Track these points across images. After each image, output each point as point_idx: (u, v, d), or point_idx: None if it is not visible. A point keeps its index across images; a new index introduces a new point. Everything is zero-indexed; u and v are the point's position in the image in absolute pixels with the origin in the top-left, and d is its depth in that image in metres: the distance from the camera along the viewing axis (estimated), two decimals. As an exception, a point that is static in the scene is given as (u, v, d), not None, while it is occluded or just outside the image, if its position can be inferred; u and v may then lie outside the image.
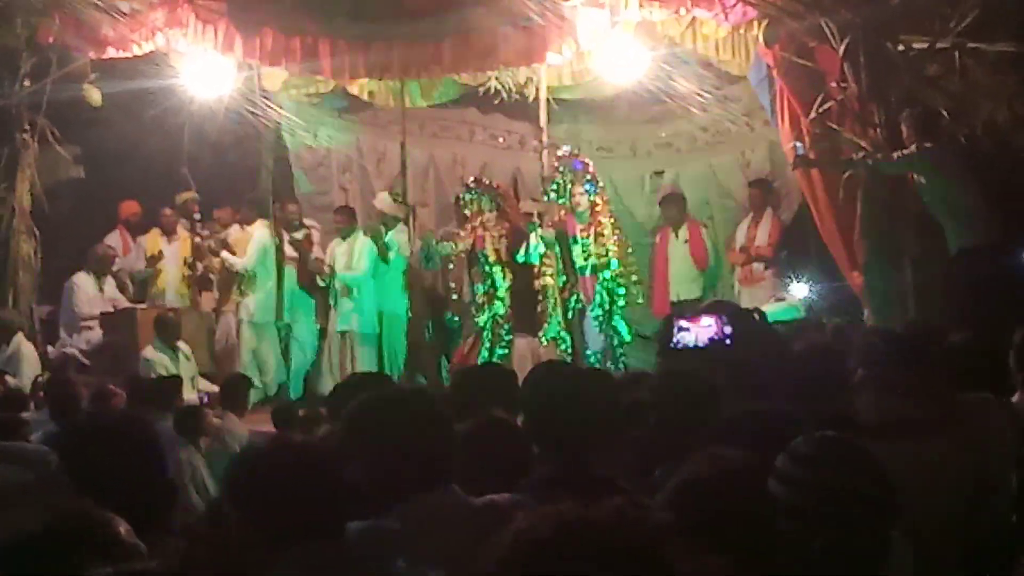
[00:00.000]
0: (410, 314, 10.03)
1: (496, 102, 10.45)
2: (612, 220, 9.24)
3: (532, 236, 9.17)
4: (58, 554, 2.13)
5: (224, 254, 10.18)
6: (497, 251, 9.41)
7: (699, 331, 3.65)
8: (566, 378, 3.49)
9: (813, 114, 7.94)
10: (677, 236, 10.05)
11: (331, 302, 10.15)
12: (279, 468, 2.45)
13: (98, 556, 2.11)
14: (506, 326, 9.31)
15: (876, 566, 2.18)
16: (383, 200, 10.22)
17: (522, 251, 9.22)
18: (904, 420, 3.21)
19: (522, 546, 1.48)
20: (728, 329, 3.59)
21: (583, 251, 9.12)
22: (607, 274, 9.06)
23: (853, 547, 2.14)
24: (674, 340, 3.69)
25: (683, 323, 3.72)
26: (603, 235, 9.12)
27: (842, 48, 7.66)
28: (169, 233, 10.60)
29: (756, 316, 4.05)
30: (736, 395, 3.54)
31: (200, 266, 10.47)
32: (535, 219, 9.30)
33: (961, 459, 3.11)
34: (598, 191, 9.21)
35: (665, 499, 2.20)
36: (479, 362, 8.87)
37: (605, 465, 3.03)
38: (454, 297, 9.98)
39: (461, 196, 9.74)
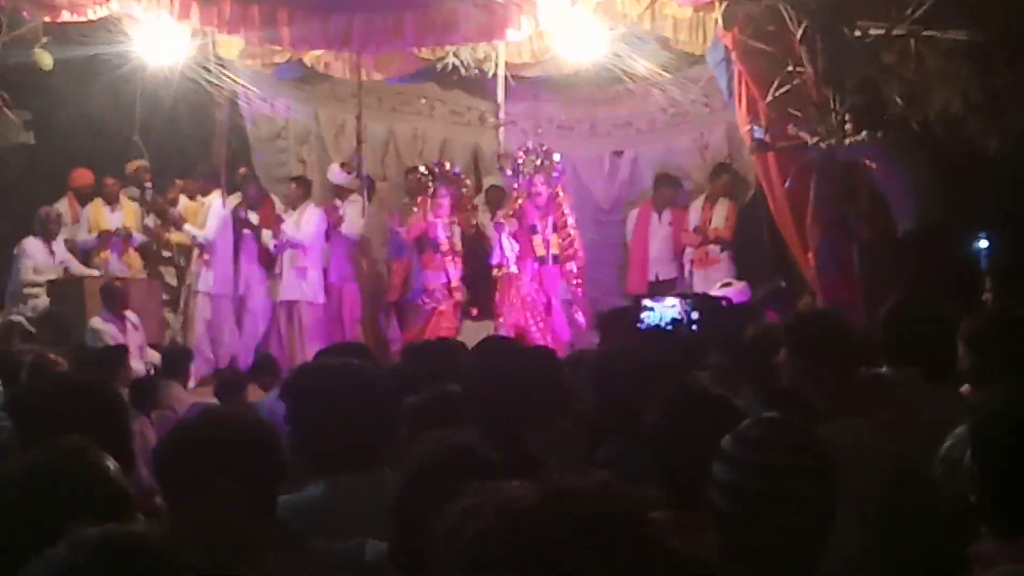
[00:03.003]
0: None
1: (455, 78, 10.40)
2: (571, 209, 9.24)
3: (503, 240, 9.12)
4: (53, 493, 2.05)
5: (186, 227, 10.08)
6: (449, 239, 9.39)
7: (664, 311, 3.67)
8: (509, 355, 3.47)
9: (770, 97, 7.99)
10: (660, 219, 10.08)
11: (277, 271, 10.09)
12: (207, 441, 2.41)
13: (93, 495, 2.05)
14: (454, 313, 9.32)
15: (821, 544, 2.20)
16: (334, 171, 10.19)
17: (494, 256, 9.18)
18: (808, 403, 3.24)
19: (506, 517, 1.47)
20: (695, 314, 3.62)
21: (542, 241, 9.12)
22: (572, 266, 9.07)
23: (799, 527, 2.16)
24: (640, 319, 3.71)
25: (648, 303, 3.74)
26: (566, 226, 9.12)
27: (799, 32, 7.70)
28: (112, 202, 10.43)
29: (724, 303, 4.09)
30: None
31: (143, 238, 10.39)
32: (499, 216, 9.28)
33: (875, 441, 3.13)
34: (560, 183, 9.19)
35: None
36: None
37: (540, 444, 3.03)
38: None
39: (420, 175, 9.67)
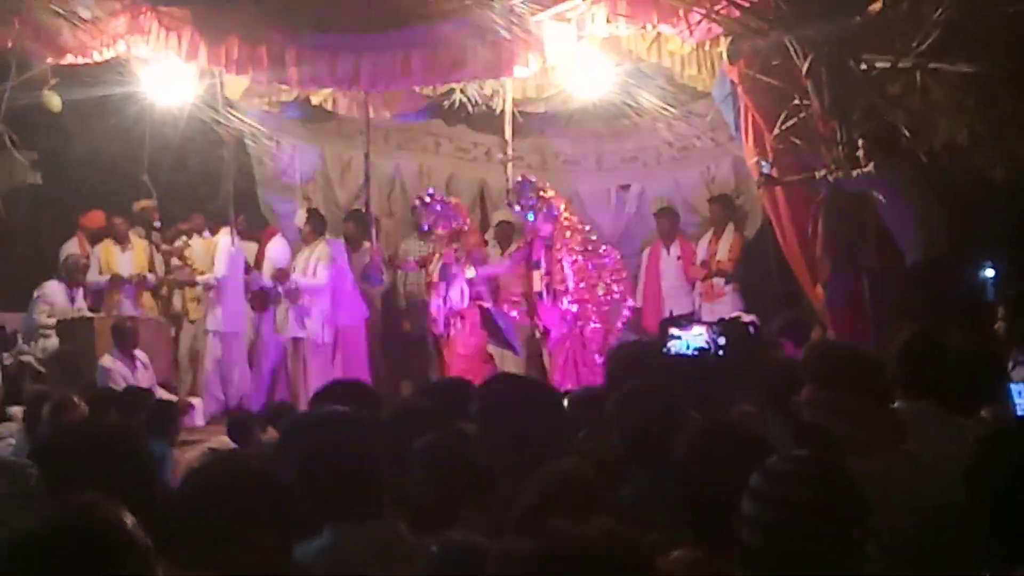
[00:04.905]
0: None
1: (461, 114, 10.45)
2: (579, 244, 9.23)
3: (457, 279, 9.21)
4: (68, 552, 2.03)
5: (198, 278, 10.07)
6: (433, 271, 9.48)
7: (691, 339, 3.66)
8: (512, 391, 3.42)
9: (776, 131, 8.01)
10: (669, 252, 10.11)
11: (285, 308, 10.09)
12: (218, 488, 2.41)
13: (109, 554, 2.03)
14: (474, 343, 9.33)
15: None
16: (302, 218, 10.19)
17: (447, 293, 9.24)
18: (844, 439, 3.22)
19: (507, 563, 1.47)
20: (721, 339, 3.62)
21: (542, 276, 9.13)
22: (564, 301, 9.08)
23: (828, 564, 2.15)
24: (666, 347, 3.71)
25: (674, 331, 3.74)
26: (559, 261, 9.12)
27: (805, 66, 7.74)
28: (122, 242, 10.45)
29: (751, 329, 4.08)
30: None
31: (154, 275, 10.41)
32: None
33: (906, 475, 3.12)
34: (556, 216, 9.19)
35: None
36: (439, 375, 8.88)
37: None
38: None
39: (418, 210, 9.74)
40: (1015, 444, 2.26)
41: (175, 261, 10.28)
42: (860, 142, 7.52)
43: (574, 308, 9.03)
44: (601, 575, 1.46)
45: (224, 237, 10.08)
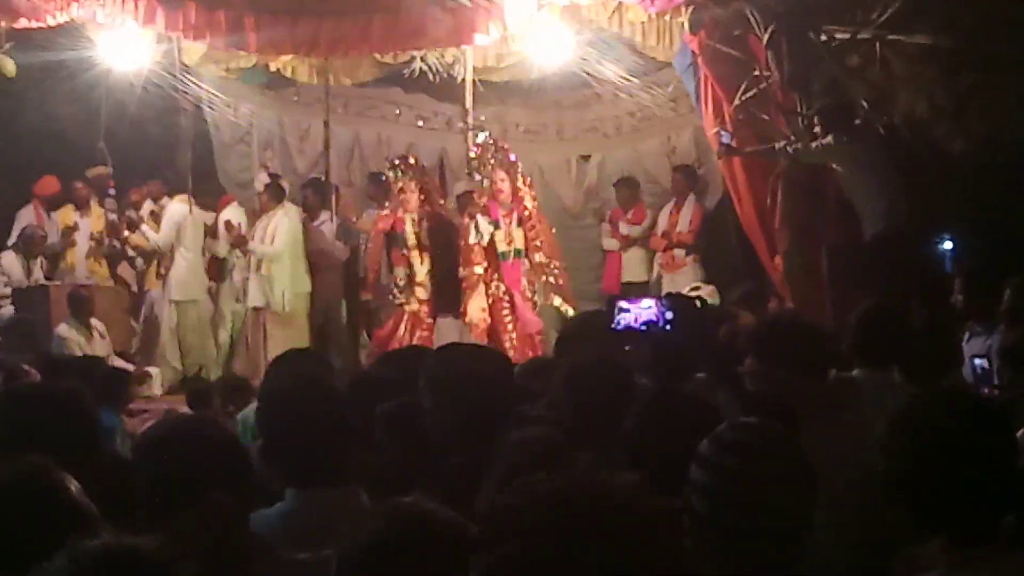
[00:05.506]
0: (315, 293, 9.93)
1: (422, 83, 10.37)
2: (536, 205, 9.14)
3: (480, 219, 9.00)
4: (9, 516, 2.03)
5: (143, 227, 9.98)
6: (417, 234, 9.31)
7: (639, 312, 3.68)
8: (466, 360, 3.39)
9: (737, 101, 8.03)
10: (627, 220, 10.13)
11: (245, 277, 10.00)
12: (174, 450, 2.40)
13: (51, 518, 2.03)
14: (425, 309, 9.23)
15: (796, 550, 2.21)
16: (258, 183, 10.09)
17: (472, 233, 8.98)
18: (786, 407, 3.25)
19: (497, 514, 1.45)
20: (669, 314, 3.63)
21: (505, 236, 8.99)
22: (539, 256, 8.96)
23: (774, 531, 2.16)
24: (615, 321, 3.72)
25: (623, 304, 3.77)
26: (530, 218, 9.01)
27: (766, 36, 7.74)
28: (82, 207, 10.36)
29: (698, 303, 4.11)
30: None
31: (110, 241, 10.29)
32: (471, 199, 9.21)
33: (846, 445, 3.15)
34: (519, 175, 9.08)
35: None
36: (400, 344, 8.78)
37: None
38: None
39: (385, 173, 9.64)
40: (925, 415, 2.29)
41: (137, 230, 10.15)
42: (818, 116, 7.55)
43: (544, 259, 8.93)
44: (584, 524, 1.42)
45: (175, 204, 9.96)
